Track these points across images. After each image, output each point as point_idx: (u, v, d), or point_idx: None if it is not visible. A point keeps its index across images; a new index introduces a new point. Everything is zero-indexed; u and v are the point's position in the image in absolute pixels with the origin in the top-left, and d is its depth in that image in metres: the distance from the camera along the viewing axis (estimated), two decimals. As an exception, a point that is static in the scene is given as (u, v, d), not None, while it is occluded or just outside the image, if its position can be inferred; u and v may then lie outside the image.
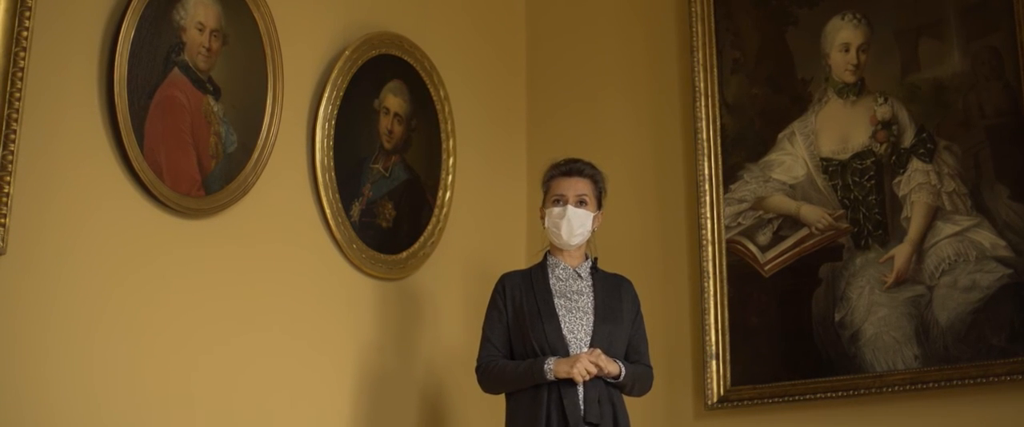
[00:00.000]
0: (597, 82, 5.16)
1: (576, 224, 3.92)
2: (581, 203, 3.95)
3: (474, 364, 3.99)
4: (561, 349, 3.80)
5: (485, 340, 3.96)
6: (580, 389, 3.74)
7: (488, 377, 3.91)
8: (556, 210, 3.94)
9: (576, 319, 3.87)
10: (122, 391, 3.49)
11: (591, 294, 3.93)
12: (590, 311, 3.89)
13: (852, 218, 4.38)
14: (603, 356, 3.76)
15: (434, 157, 4.74)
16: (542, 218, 4.03)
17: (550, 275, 3.96)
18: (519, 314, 3.90)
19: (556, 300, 3.90)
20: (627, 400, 3.90)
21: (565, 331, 3.84)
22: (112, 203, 3.54)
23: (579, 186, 3.96)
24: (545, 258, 4.02)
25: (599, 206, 4.02)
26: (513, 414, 3.85)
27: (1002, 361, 3.97)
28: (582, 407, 3.73)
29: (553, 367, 3.73)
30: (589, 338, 3.84)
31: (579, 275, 3.96)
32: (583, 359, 3.72)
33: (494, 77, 5.21)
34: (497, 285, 4.02)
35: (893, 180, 4.33)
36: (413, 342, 4.53)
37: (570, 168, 4.00)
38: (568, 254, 3.98)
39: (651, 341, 4.09)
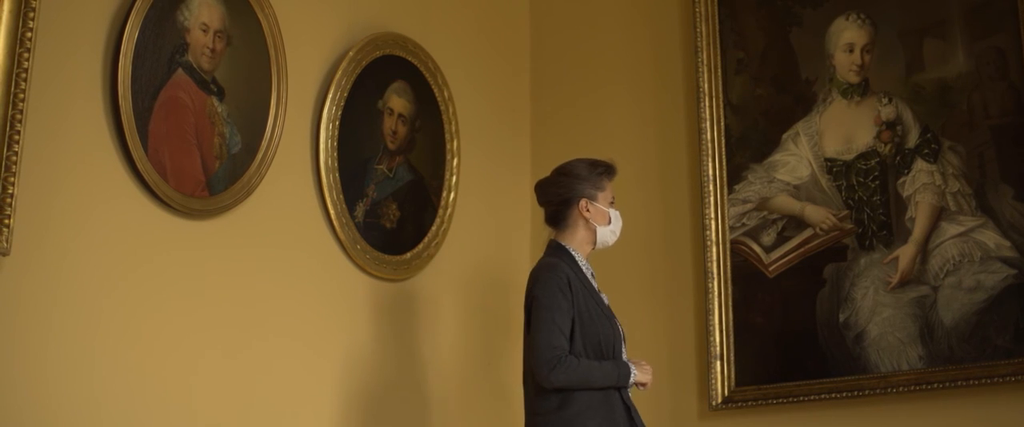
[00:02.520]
0: (601, 82, 5.16)
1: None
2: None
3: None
4: (619, 351, 3.76)
5: (558, 330, 3.64)
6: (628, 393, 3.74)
7: (573, 371, 3.60)
8: (615, 213, 3.89)
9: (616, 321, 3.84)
10: (125, 391, 3.49)
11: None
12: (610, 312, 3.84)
13: (856, 218, 4.38)
14: None
15: (438, 158, 4.74)
16: (589, 213, 3.84)
17: (586, 273, 3.84)
18: (581, 309, 3.70)
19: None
20: (634, 401, 3.89)
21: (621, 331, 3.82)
22: (116, 204, 3.55)
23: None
24: (570, 252, 3.83)
25: None
26: (583, 413, 3.61)
27: (1007, 362, 3.97)
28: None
29: (636, 373, 3.70)
30: (623, 341, 3.81)
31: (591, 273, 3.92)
32: (647, 366, 3.73)
33: (498, 77, 5.21)
34: (560, 274, 3.72)
35: (897, 180, 4.32)
36: (417, 343, 4.53)
37: (614, 170, 3.94)
38: (585, 252, 3.89)
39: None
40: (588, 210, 3.86)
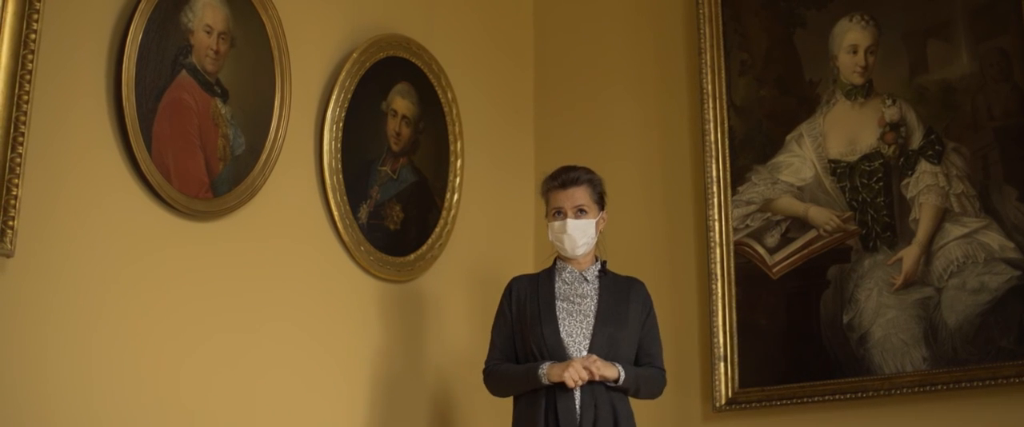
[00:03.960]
0: (604, 84, 5.16)
1: (578, 236, 3.92)
2: (580, 213, 3.93)
3: (478, 364, 4.01)
4: (558, 352, 3.81)
5: (491, 344, 4.00)
6: (577, 394, 3.75)
7: (491, 381, 3.96)
8: (556, 225, 3.94)
9: (576, 322, 3.86)
10: (128, 395, 3.49)
11: (595, 297, 3.92)
12: (591, 314, 3.88)
13: (860, 220, 4.38)
14: (599, 361, 3.75)
15: (442, 159, 4.74)
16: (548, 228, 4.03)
17: (556, 279, 3.96)
18: (522, 317, 3.92)
19: (558, 303, 3.90)
20: (636, 404, 3.90)
21: (563, 334, 3.83)
22: (120, 205, 3.55)
23: (576, 196, 3.94)
24: (554, 262, 4.03)
25: (602, 207, 4.00)
26: (517, 418, 3.88)
27: (1011, 363, 3.96)
28: (578, 412, 3.73)
29: (546, 371, 3.75)
30: (588, 342, 3.83)
31: (585, 278, 3.95)
32: (575, 364, 3.73)
33: (502, 79, 5.21)
34: (505, 289, 4.03)
35: (901, 182, 4.32)
36: (421, 344, 4.53)
37: (565, 179, 3.97)
38: (576, 259, 3.98)
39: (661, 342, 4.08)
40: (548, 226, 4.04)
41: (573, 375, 3.71)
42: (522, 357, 3.91)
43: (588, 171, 4.00)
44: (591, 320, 3.87)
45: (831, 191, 4.46)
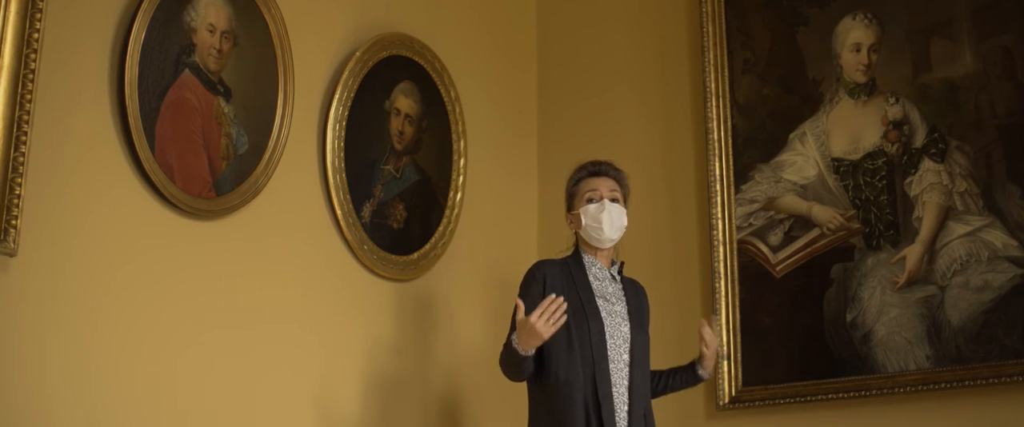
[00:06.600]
0: (608, 82, 5.16)
1: (616, 216, 3.84)
2: (615, 199, 3.89)
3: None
4: (602, 353, 3.71)
5: (512, 329, 3.75)
6: (624, 403, 3.70)
7: (501, 360, 3.76)
8: (593, 207, 3.85)
9: (614, 323, 3.78)
10: (130, 393, 3.49)
11: (624, 300, 3.88)
12: (626, 317, 3.83)
13: (863, 218, 4.37)
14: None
15: (445, 158, 4.75)
16: (572, 223, 3.93)
17: (588, 273, 3.87)
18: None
19: (597, 300, 3.82)
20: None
21: (607, 334, 3.76)
22: (123, 205, 3.55)
23: (610, 183, 3.91)
24: (578, 253, 3.92)
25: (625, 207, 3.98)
26: (537, 413, 3.76)
27: (1014, 362, 3.96)
28: (626, 421, 3.69)
29: (519, 343, 3.60)
30: (627, 344, 3.77)
31: (613, 277, 3.91)
32: (536, 316, 3.55)
33: (505, 78, 5.21)
34: (535, 272, 3.85)
35: (904, 180, 4.32)
36: (424, 343, 4.53)
37: (598, 168, 3.93)
38: (601, 254, 3.91)
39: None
40: (571, 222, 3.95)
41: (542, 326, 3.55)
42: (554, 347, 3.70)
43: (619, 169, 3.97)
44: (627, 324, 3.81)
45: (834, 189, 4.46)
